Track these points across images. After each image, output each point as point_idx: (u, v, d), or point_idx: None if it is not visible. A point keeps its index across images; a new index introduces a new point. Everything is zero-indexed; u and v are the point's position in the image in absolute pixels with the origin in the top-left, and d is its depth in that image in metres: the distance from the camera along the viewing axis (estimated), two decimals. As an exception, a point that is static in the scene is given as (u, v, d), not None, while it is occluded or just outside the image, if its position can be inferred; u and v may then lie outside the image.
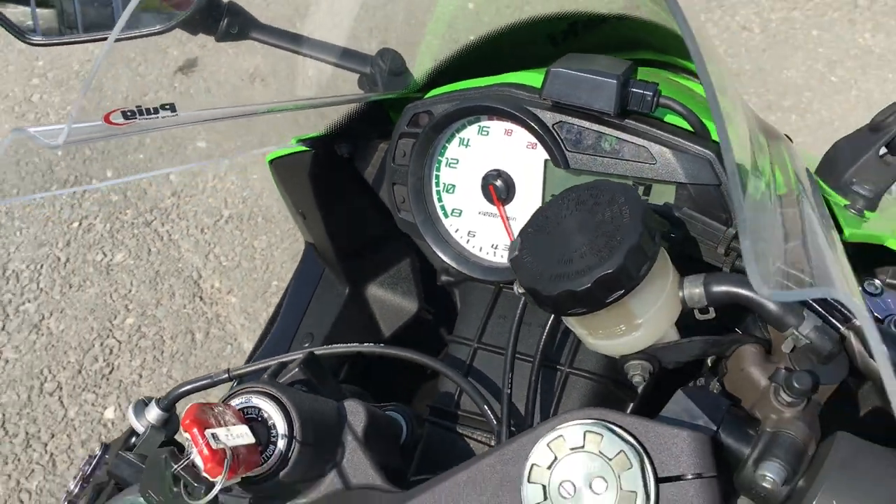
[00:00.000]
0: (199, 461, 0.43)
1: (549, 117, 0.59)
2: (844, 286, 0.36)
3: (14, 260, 2.00)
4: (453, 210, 0.66)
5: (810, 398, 0.46)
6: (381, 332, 0.84)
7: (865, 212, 0.57)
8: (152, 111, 0.49)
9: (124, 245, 2.04)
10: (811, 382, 0.44)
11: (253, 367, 0.59)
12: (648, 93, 0.56)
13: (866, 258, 0.55)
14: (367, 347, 0.62)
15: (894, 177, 0.57)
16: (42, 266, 1.99)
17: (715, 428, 0.45)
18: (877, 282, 0.54)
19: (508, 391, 0.59)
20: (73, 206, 2.11)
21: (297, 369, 0.55)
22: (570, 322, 0.51)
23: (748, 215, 0.33)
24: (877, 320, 0.52)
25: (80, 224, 2.08)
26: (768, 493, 0.44)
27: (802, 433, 0.44)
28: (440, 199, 0.66)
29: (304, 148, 0.72)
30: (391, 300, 0.85)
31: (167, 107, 0.50)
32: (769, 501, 0.44)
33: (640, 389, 0.51)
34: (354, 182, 0.74)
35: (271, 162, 0.76)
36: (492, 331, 0.66)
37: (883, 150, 0.58)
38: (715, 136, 0.57)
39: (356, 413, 0.52)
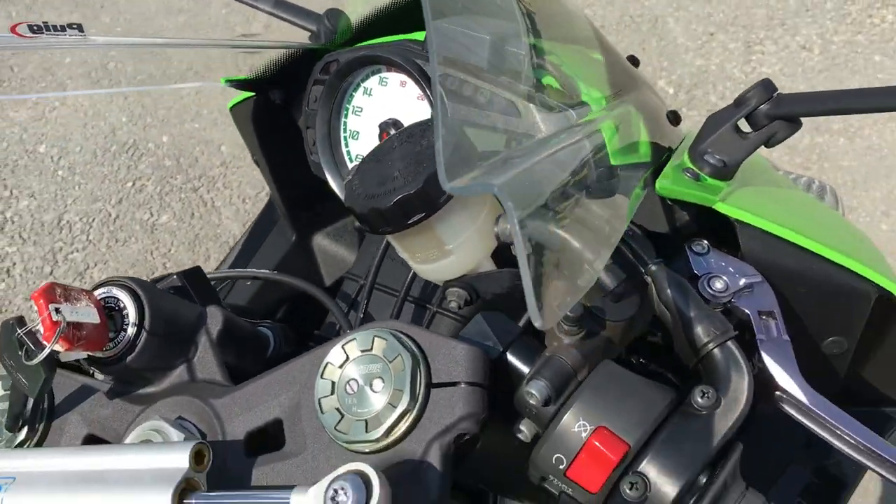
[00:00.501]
0: (41, 328, 0.49)
1: (430, 68, 0.63)
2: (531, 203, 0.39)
3: (69, 212, 2.14)
4: (357, 156, 0.71)
5: (588, 330, 0.48)
6: (323, 281, 0.89)
7: (708, 178, 0.59)
8: (59, 28, 0.55)
9: (170, 207, 2.15)
10: (580, 311, 0.47)
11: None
12: (522, 51, 0.59)
13: (718, 227, 0.57)
14: (258, 273, 0.68)
15: (748, 150, 0.59)
16: (94, 220, 2.12)
17: (501, 349, 0.49)
18: (705, 242, 0.56)
19: (361, 314, 0.64)
20: (129, 168, 2.24)
21: (174, 277, 0.61)
22: (395, 245, 0.55)
23: (442, 113, 0.36)
24: (692, 276, 0.55)
25: (134, 184, 2.21)
26: (534, 410, 0.47)
27: (574, 359, 0.47)
28: (346, 145, 0.71)
29: (250, 94, 0.78)
30: (334, 251, 0.90)
31: (74, 27, 0.56)
32: (539, 420, 0.47)
33: (456, 312, 0.54)
34: (290, 130, 0.80)
35: (231, 109, 0.82)
36: (383, 271, 0.71)
37: (745, 126, 0.60)
38: (585, 97, 0.60)
39: (214, 318, 0.57)
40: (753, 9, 2.44)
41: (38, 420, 0.57)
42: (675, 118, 0.70)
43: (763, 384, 0.51)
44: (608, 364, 0.47)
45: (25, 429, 0.56)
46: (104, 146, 2.30)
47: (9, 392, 0.56)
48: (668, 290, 0.50)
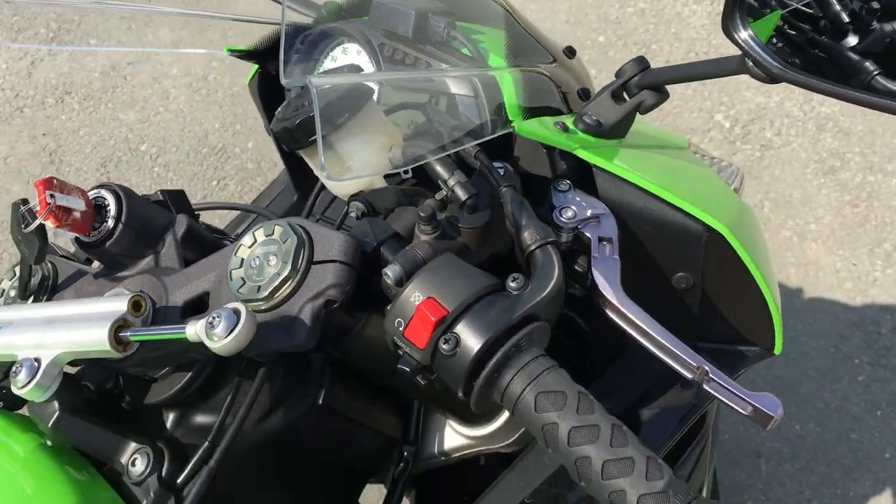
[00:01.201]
0: (38, 207, 0.65)
1: (375, 39, 0.77)
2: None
3: (159, 203, 2.38)
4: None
5: (444, 232, 0.60)
6: None
7: (580, 132, 0.69)
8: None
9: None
10: (431, 212, 0.59)
11: None
12: (440, 25, 0.72)
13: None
14: (236, 205, 0.82)
15: (621, 113, 0.69)
16: (179, 211, 2.35)
17: (375, 244, 0.61)
18: (567, 182, 0.67)
19: None
20: (216, 168, 2.47)
21: (158, 192, 0.76)
22: (310, 164, 0.68)
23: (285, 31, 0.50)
24: (552, 207, 0.65)
25: (218, 183, 2.44)
26: (392, 290, 0.59)
27: (426, 252, 0.59)
28: (318, 106, 0.86)
29: (258, 68, 0.94)
30: (331, 213, 1.04)
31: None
32: (390, 294, 0.59)
33: (356, 219, 0.66)
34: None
35: (248, 84, 0.98)
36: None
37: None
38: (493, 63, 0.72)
39: (181, 223, 0.72)
40: (820, 51, 2.48)
41: (42, 293, 0.73)
42: (571, 52, 0.80)
43: (593, 293, 0.61)
44: (448, 255, 0.59)
45: (32, 297, 0.72)
46: (196, 148, 2.54)
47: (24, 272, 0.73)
48: (510, 206, 0.61)
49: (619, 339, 0.65)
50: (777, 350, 0.72)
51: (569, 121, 0.71)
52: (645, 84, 0.69)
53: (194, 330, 0.55)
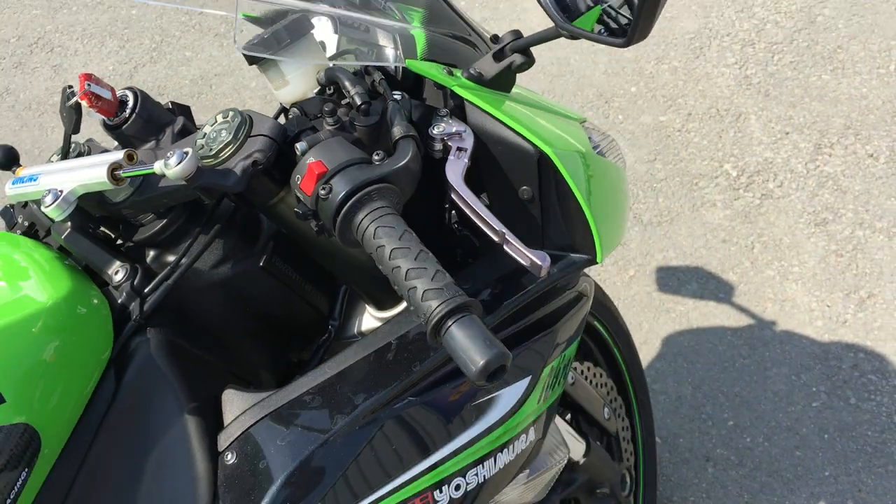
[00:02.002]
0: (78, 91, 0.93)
1: (332, 12, 1.03)
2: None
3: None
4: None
5: (342, 125, 0.85)
6: None
7: (462, 78, 0.94)
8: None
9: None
10: (332, 108, 0.85)
11: None
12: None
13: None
14: None
15: (495, 70, 0.94)
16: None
17: (297, 131, 0.87)
18: (446, 110, 0.91)
19: None
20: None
21: (168, 102, 1.03)
22: (267, 79, 0.94)
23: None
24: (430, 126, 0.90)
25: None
26: (297, 158, 0.84)
27: (325, 135, 0.84)
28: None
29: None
30: None
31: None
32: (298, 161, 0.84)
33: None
34: None
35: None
36: None
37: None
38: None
39: (179, 122, 0.99)
40: (834, 118, 2.66)
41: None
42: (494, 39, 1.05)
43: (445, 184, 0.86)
44: (338, 137, 0.84)
45: (69, 163, 1.01)
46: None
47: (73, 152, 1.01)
48: (389, 112, 0.86)
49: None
50: (598, 259, 0.94)
51: (457, 71, 0.96)
52: (516, 48, 0.93)
53: (159, 165, 0.82)
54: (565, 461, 1.13)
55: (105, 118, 0.96)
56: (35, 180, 0.92)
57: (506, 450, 0.95)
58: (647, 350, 2.15)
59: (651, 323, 2.21)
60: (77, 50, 3.38)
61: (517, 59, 0.94)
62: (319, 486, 0.83)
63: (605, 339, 1.63)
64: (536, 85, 2.93)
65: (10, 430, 0.73)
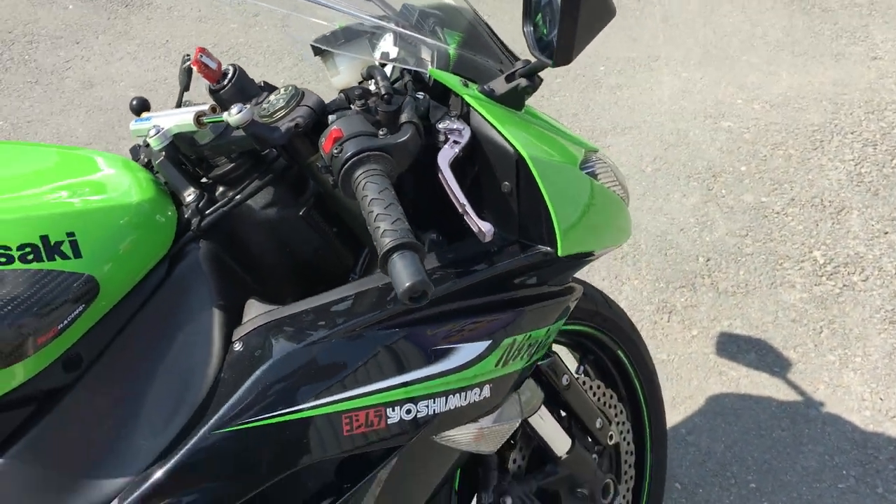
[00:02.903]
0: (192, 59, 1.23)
1: (389, 27, 1.28)
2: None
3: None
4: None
5: (369, 109, 1.10)
6: None
7: (476, 90, 1.16)
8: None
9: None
10: (360, 92, 1.10)
11: None
12: (429, 22, 1.23)
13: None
14: None
15: (504, 89, 1.14)
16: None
17: (334, 108, 1.12)
18: (457, 112, 1.13)
19: None
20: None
21: (262, 81, 1.32)
22: (325, 69, 1.20)
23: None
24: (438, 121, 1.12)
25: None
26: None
27: (351, 112, 1.09)
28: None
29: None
30: None
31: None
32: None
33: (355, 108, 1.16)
34: None
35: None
36: None
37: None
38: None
39: (263, 95, 1.27)
40: (939, 225, 2.68)
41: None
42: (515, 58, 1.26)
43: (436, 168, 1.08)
44: (358, 114, 1.08)
45: (180, 114, 1.31)
46: None
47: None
48: (405, 105, 1.09)
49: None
50: (558, 252, 1.13)
51: (473, 85, 1.19)
52: (524, 74, 1.15)
53: (226, 115, 1.10)
54: (516, 425, 1.30)
55: (209, 83, 1.26)
56: (148, 120, 1.23)
57: (457, 395, 1.14)
58: (689, 404, 2.25)
59: (701, 381, 2.31)
60: (258, 62, 3.86)
61: (523, 82, 1.16)
62: (297, 376, 1.06)
63: (628, 371, 1.78)
64: (650, 149, 3.10)
65: (80, 276, 1.01)
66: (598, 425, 1.60)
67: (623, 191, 1.37)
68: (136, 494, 1.01)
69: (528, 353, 1.23)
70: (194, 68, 1.23)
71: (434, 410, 1.14)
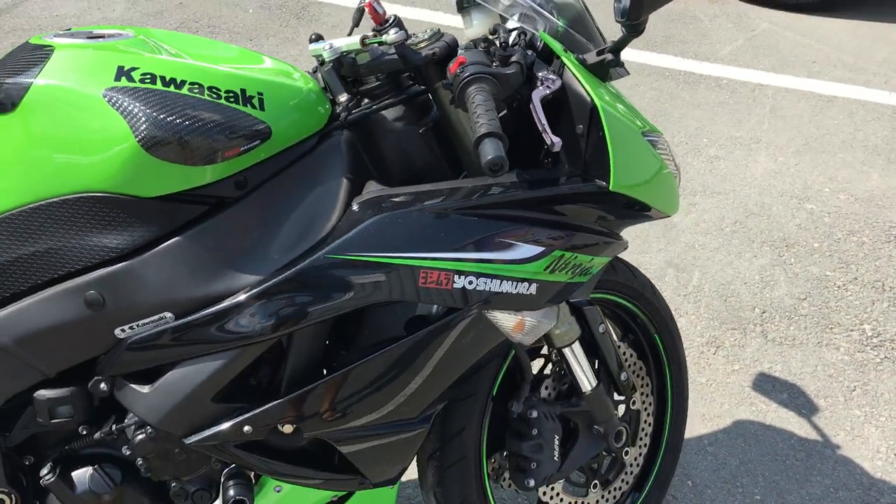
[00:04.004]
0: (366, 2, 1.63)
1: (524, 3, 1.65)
2: None
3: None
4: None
5: (488, 51, 1.45)
6: None
7: (572, 56, 1.50)
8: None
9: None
10: (482, 39, 1.46)
11: None
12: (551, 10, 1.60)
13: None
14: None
15: (593, 60, 1.49)
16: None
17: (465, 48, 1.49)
18: (553, 67, 1.48)
19: None
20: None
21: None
22: (462, 22, 1.57)
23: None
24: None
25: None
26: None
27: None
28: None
29: None
30: None
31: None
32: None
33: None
34: None
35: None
36: None
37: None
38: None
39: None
40: None
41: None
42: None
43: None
44: (479, 50, 1.45)
45: (346, 49, 1.71)
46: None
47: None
48: (517, 54, 1.45)
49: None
50: (610, 186, 1.46)
51: (572, 53, 1.54)
52: (610, 50, 1.50)
53: (385, 36, 1.49)
54: (550, 326, 1.60)
55: (375, 24, 1.66)
56: (323, 42, 1.63)
57: (509, 282, 1.46)
58: (716, 422, 2.49)
59: (732, 406, 2.54)
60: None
61: (609, 56, 1.51)
62: (393, 232, 1.40)
63: (661, 355, 2.06)
64: (732, 213, 3.37)
65: (261, 122, 1.39)
66: (622, 378, 1.89)
67: (675, 169, 1.69)
68: (260, 288, 1.38)
69: (572, 271, 1.54)
70: (366, 10, 1.62)
71: (489, 288, 1.46)
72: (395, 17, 1.62)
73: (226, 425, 1.44)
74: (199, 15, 4.80)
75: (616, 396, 1.95)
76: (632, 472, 2.04)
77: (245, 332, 1.38)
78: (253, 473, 1.58)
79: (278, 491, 1.56)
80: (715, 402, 2.55)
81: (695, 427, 2.46)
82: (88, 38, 1.44)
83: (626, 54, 4.16)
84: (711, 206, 3.43)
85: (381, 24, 1.61)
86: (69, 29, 1.54)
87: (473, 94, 1.36)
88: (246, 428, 1.44)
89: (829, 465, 2.36)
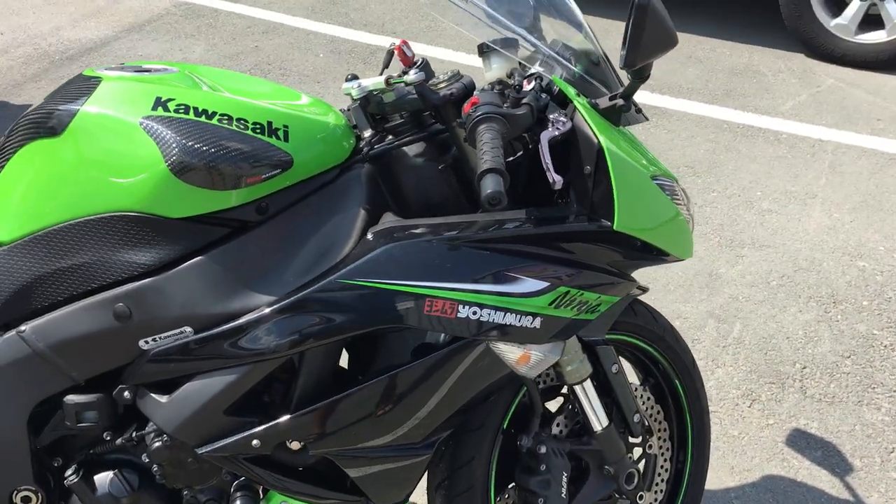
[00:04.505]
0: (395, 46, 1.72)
1: (542, 49, 1.72)
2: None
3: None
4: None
5: (503, 94, 1.52)
6: None
7: (585, 101, 1.55)
8: None
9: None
10: (497, 82, 1.53)
11: None
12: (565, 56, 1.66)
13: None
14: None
15: (606, 104, 1.54)
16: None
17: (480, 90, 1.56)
18: (565, 111, 1.53)
19: None
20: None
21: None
22: (482, 65, 1.65)
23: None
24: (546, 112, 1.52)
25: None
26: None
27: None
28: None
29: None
30: None
31: None
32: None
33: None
34: None
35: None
36: None
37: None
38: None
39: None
40: None
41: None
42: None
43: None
44: (492, 92, 1.52)
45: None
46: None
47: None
48: (530, 95, 1.51)
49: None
50: (614, 226, 1.50)
51: (584, 97, 1.59)
52: (621, 96, 1.55)
53: (406, 76, 1.57)
54: (554, 360, 1.63)
55: (404, 66, 1.75)
56: (354, 81, 1.72)
57: (513, 315, 1.51)
58: (745, 476, 2.46)
59: (763, 461, 2.51)
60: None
61: (620, 102, 1.57)
62: (403, 261, 1.47)
63: (681, 401, 2.07)
64: (780, 267, 3.34)
65: (283, 153, 1.48)
66: (635, 419, 1.90)
67: (689, 215, 1.72)
68: (273, 308, 1.47)
69: (578, 307, 1.59)
70: (395, 53, 1.72)
71: (493, 320, 1.52)
72: (424, 59, 1.71)
73: (236, 437, 1.51)
74: (272, 58, 5.02)
75: (631, 439, 1.95)
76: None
77: (257, 349, 1.47)
78: (261, 488, 1.65)
79: (284, 506, 1.63)
80: (746, 455, 2.52)
81: (722, 479, 2.44)
82: (136, 71, 1.57)
83: (685, 106, 4.27)
84: (759, 259, 3.40)
85: (409, 65, 1.70)
86: (122, 63, 1.68)
87: (483, 132, 1.44)
88: (255, 442, 1.51)
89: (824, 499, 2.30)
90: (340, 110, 1.88)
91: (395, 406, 1.55)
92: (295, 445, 1.56)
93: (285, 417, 1.52)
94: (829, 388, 2.78)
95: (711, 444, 2.47)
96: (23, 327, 1.51)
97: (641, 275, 1.74)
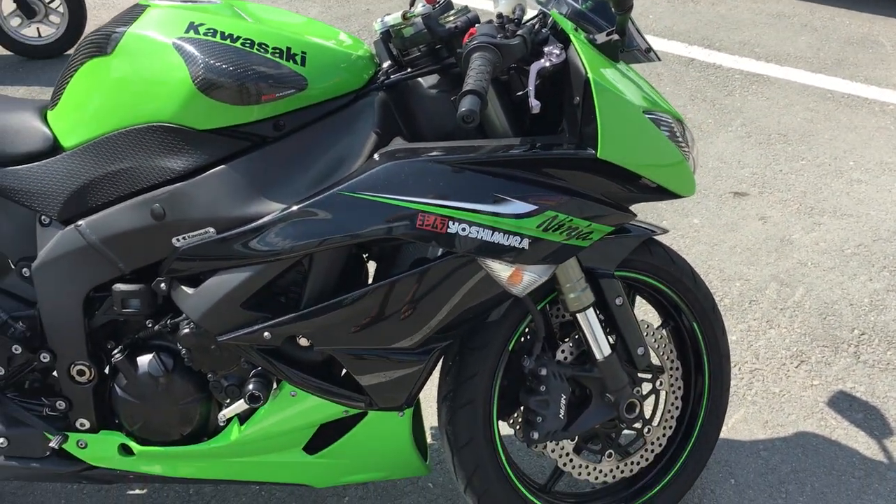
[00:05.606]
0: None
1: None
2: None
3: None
4: None
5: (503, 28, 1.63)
6: None
7: (581, 35, 1.63)
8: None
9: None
10: (501, 20, 1.63)
11: None
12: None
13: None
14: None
15: (601, 40, 1.61)
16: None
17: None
18: (560, 45, 1.62)
19: None
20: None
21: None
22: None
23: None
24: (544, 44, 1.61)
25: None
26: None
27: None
28: None
29: None
30: None
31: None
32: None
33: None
34: None
35: None
36: None
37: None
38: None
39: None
40: None
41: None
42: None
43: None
44: (493, 24, 1.63)
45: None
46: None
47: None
48: (525, 28, 1.61)
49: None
50: (597, 154, 1.58)
51: (582, 32, 1.67)
52: (616, 32, 1.62)
53: (416, 8, 1.70)
54: (543, 280, 1.73)
55: (430, 5, 1.88)
56: (381, 20, 1.86)
57: (501, 234, 1.62)
58: (778, 431, 2.46)
59: (799, 419, 2.50)
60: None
61: (615, 36, 1.64)
62: (401, 178, 1.60)
63: (700, 346, 2.11)
64: (858, 237, 3.25)
65: (299, 75, 1.65)
66: (639, 352, 1.97)
67: (688, 151, 1.77)
68: (282, 214, 1.64)
69: (568, 233, 1.68)
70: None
71: (482, 237, 1.63)
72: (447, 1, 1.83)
73: (251, 329, 1.71)
74: (382, 20, 5.22)
75: (641, 374, 2.02)
76: (652, 451, 2.10)
77: (269, 249, 1.65)
78: (276, 379, 1.84)
79: (293, 396, 1.81)
80: (783, 411, 2.52)
81: (753, 431, 2.46)
82: (184, 1, 1.77)
83: (789, 74, 4.22)
84: (838, 227, 3.32)
85: (434, 5, 1.82)
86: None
87: (474, 59, 1.55)
88: (266, 334, 1.70)
89: (888, 488, 2.27)
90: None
91: (390, 311, 1.69)
92: (303, 342, 1.74)
93: (294, 314, 1.70)
94: (885, 354, 2.72)
95: (749, 399, 2.50)
96: (80, 222, 1.74)
97: (673, 222, 1.80)
